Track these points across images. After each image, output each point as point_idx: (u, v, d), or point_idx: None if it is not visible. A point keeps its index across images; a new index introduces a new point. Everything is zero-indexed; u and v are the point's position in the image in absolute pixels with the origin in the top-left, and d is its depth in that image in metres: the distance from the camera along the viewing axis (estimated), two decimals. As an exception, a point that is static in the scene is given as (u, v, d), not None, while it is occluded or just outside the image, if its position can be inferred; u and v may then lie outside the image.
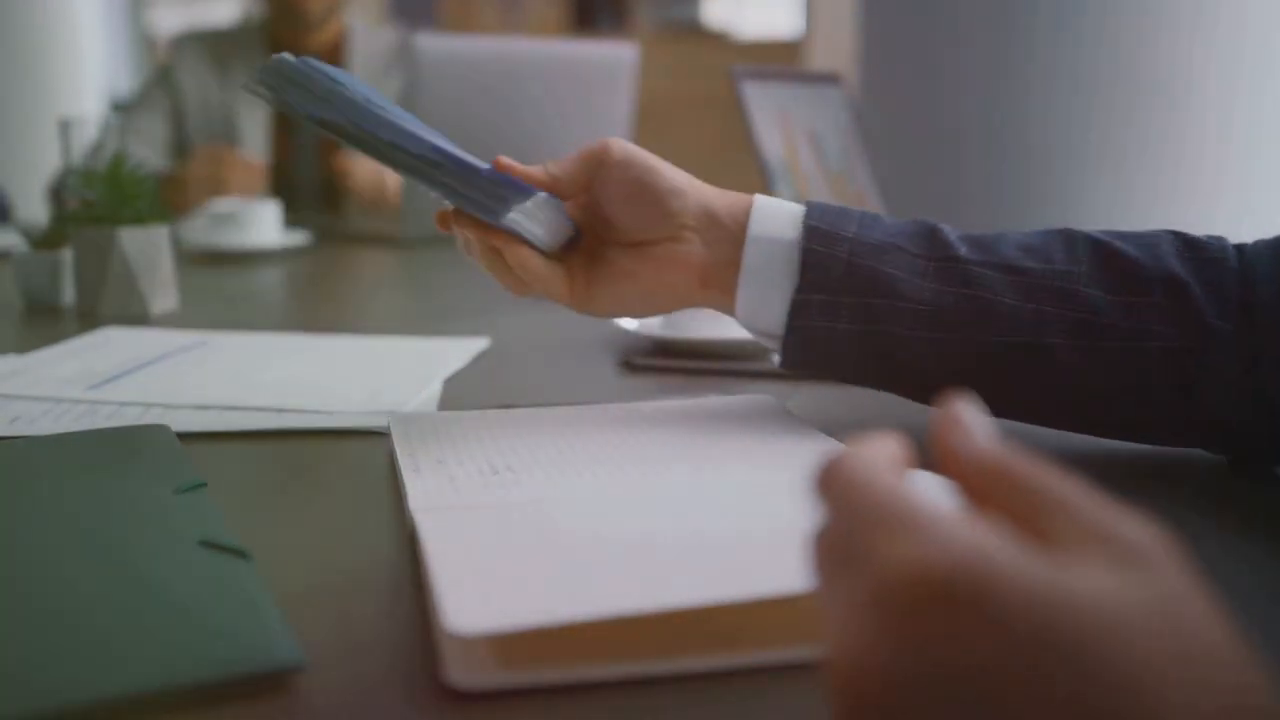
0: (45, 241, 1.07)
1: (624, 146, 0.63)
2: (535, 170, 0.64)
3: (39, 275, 1.05)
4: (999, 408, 0.57)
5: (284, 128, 2.03)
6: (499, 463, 0.56)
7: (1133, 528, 0.25)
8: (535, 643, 0.38)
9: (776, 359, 0.64)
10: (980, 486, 0.26)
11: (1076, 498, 0.25)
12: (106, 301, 1.01)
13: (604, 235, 0.64)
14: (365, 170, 1.91)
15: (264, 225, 1.44)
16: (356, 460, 0.62)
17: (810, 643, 0.39)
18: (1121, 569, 0.23)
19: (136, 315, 1.01)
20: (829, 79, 1.57)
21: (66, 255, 1.05)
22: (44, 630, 0.39)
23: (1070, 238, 0.58)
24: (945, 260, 0.57)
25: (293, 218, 1.71)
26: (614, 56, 1.71)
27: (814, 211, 0.60)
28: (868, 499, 0.25)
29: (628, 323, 0.88)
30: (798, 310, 0.59)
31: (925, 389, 0.58)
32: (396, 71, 2.06)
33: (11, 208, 2.09)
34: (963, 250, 0.57)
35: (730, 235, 0.61)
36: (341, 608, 0.43)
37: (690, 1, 6.33)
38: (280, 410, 0.70)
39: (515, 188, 0.59)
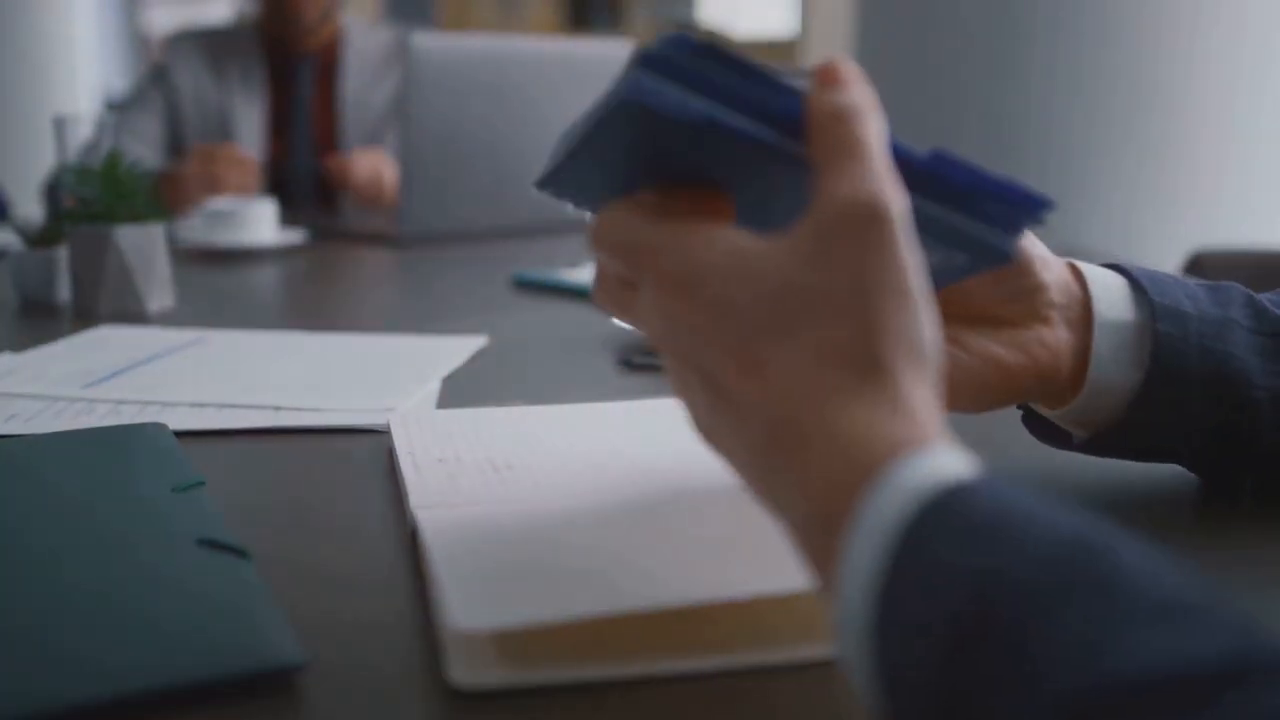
0: (41, 239, 1.07)
1: None
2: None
3: (35, 273, 1.05)
4: None
5: (279, 126, 2.03)
6: (499, 461, 0.56)
7: (827, 207, 0.34)
8: (538, 641, 0.38)
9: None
10: None
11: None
12: (103, 299, 1.00)
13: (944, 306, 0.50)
14: (362, 167, 1.90)
15: (260, 223, 1.44)
16: (355, 458, 0.62)
17: (813, 642, 0.39)
18: (801, 251, 0.34)
19: (133, 313, 1.01)
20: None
21: (62, 253, 1.04)
22: (43, 630, 0.39)
23: None
24: (1276, 336, 0.51)
25: (288, 215, 1.71)
26: (611, 55, 1.71)
27: (1146, 283, 0.51)
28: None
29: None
30: (1141, 403, 0.50)
31: (1243, 463, 0.54)
32: (393, 70, 2.05)
33: (9, 205, 2.08)
34: None
35: (1076, 316, 0.51)
36: (342, 606, 0.43)
37: (686, 2, 6.33)
38: (278, 408, 0.69)
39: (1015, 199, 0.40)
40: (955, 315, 0.50)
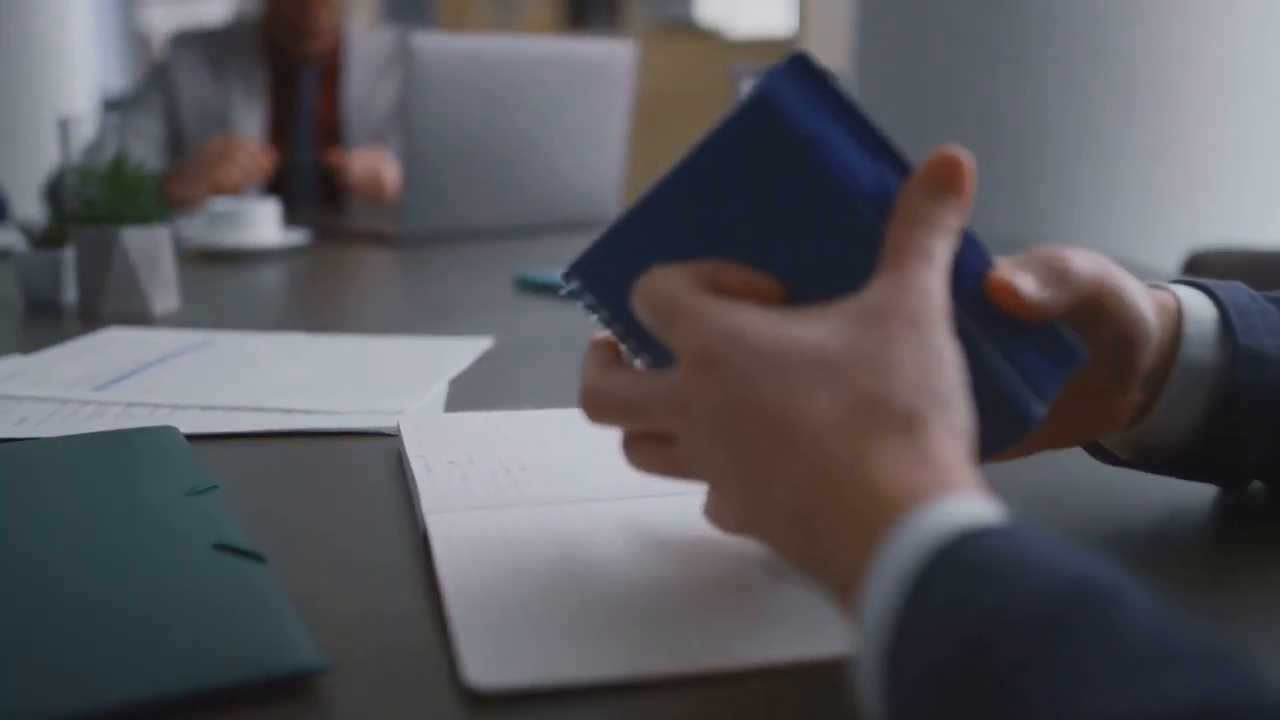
0: (46, 240, 1.07)
1: (1130, 292, 0.47)
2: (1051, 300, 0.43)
3: (40, 274, 1.05)
4: None
5: (279, 127, 2.03)
6: (511, 463, 0.56)
7: (877, 292, 0.36)
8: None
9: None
10: None
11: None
12: (108, 301, 1.01)
13: None
14: (362, 165, 1.91)
15: (264, 224, 1.44)
16: (365, 461, 0.62)
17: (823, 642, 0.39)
18: (840, 321, 0.36)
19: (138, 314, 1.01)
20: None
21: (68, 254, 1.05)
22: (60, 636, 0.39)
23: None
24: None
25: (291, 215, 1.71)
26: (612, 55, 1.71)
27: (1235, 319, 0.49)
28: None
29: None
30: (1201, 438, 0.50)
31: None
32: (395, 72, 2.06)
33: (8, 205, 2.08)
34: None
35: (1158, 369, 0.49)
36: (356, 609, 0.44)
37: (684, 0, 6.33)
38: (288, 411, 0.70)
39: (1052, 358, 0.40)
40: None
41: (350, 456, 0.63)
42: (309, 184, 2.03)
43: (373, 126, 2.06)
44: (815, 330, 0.36)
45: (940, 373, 0.35)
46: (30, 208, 2.78)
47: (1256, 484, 0.55)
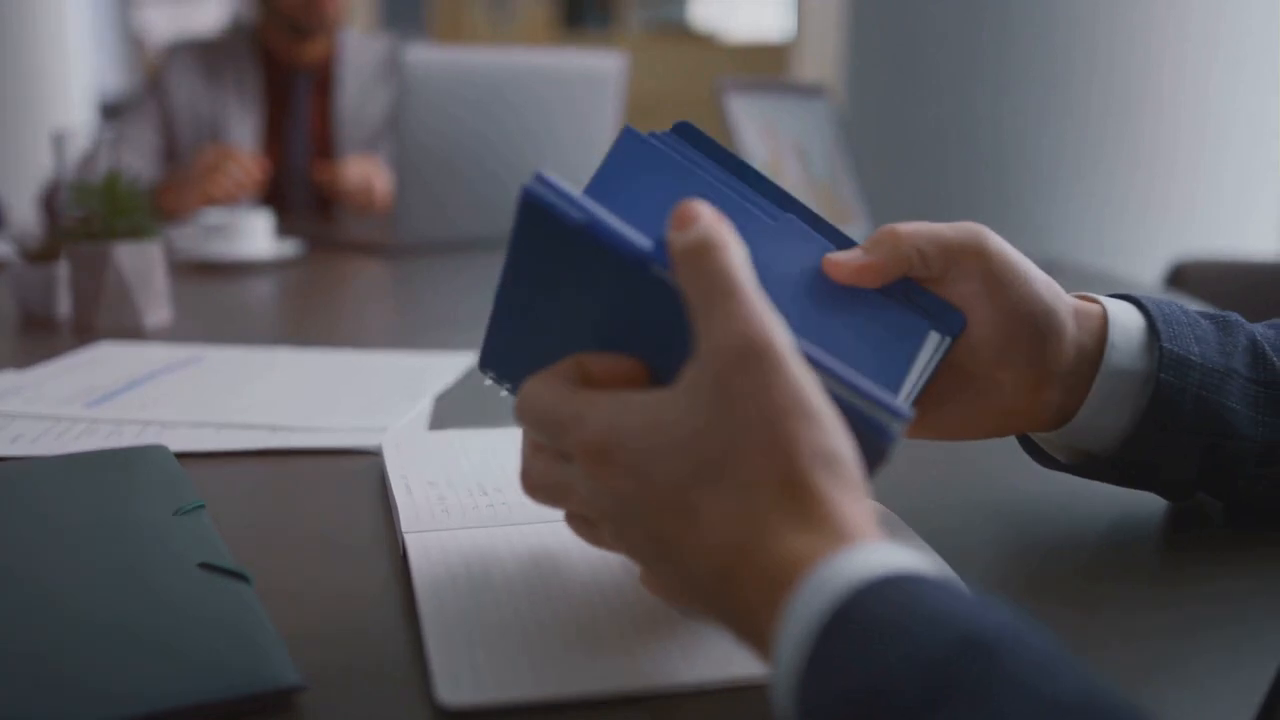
0: (40, 254, 1.09)
1: (1002, 254, 0.50)
2: (888, 265, 0.49)
3: (34, 289, 1.07)
4: None
5: (274, 136, 2.05)
6: (488, 484, 0.58)
7: (705, 357, 0.36)
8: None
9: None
10: None
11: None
12: (102, 315, 1.03)
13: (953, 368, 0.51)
14: (352, 175, 1.93)
15: (255, 235, 1.46)
16: (349, 479, 0.64)
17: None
18: (695, 397, 0.36)
19: (131, 328, 1.03)
20: (814, 91, 1.59)
21: (61, 269, 1.06)
22: (46, 653, 0.41)
23: None
24: (1274, 386, 0.52)
25: (285, 224, 1.73)
26: (602, 65, 1.73)
27: (1162, 326, 0.51)
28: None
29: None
30: (1132, 444, 0.52)
31: (1225, 494, 0.56)
32: (388, 80, 2.07)
33: (5, 212, 2.10)
34: None
35: (1086, 371, 0.51)
36: (336, 626, 0.45)
37: (678, 4, 6.35)
38: (274, 428, 0.72)
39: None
40: (959, 371, 0.50)
41: (335, 474, 0.65)
42: (303, 193, 2.04)
43: (365, 134, 2.07)
44: (680, 411, 0.36)
45: (818, 427, 0.35)
46: (25, 211, 2.79)
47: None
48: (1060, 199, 1.81)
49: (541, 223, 0.40)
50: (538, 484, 0.43)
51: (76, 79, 3.78)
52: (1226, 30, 1.76)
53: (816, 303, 0.48)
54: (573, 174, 1.62)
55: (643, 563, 0.40)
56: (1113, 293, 0.55)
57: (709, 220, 0.38)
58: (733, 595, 0.35)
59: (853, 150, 2.01)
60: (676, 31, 6.30)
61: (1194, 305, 0.55)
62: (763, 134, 1.40)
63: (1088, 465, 0.54)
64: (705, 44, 6.20)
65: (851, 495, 0.35)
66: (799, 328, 0.40)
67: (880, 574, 0.32)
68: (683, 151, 0.50)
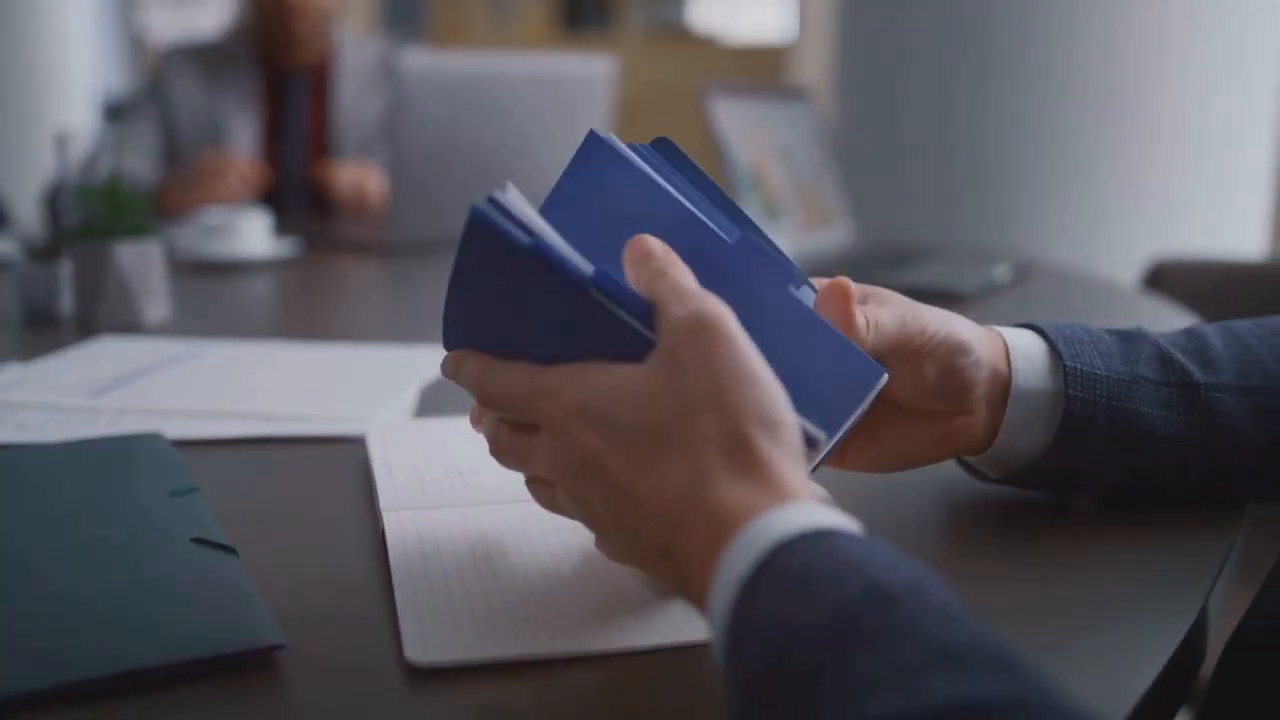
0: (43, 254, 1.13)
1: (942, 325, 0.54)
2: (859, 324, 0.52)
3: (38, 286, 1.11)
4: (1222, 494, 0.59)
5: (272, 137, 2.09)
6: (464, 466, 0.62)
7: (665, 336, 0.41)
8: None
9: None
10: None
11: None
12: (103, 312, 1.07)
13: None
14: (345, 178, 1.97)
15: (253, 235, 1.50)
16: (337, 464, 0.68)
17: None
18: (655, 370, 0.41)
19: (131, 324, 1.07)
20: (799, 94, 1.63)
21: (64, 267, 1.10)
22: (55, 617, 0.45)
23: (1276, 342, 0.58)
24: (1184, 386, 0.56)
25: (283, 225, 1.77)
26: (593, 68, 1.77)
27: (1063, 348, 0.55)
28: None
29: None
30: (1053, 457, 0.55)
31: (1154, 489, 0.59)
32: (382, 81, 2.11)
33: (7, 213, 2.14)
34: (1195, 373, 0.56)
35: (997, 396, 0.55)
36: (319, 596, 0.49)
37: (678, 5, 6.39)
38: (267, 418, 0.75)
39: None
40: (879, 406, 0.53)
41: (323, 460, 0.69)
42: (300, 193, 2.08)
43: (362, 136, 2.12)
44: (639, 382, 0.41)
45: (760, 391, 0.40)
46: (28, 210, 2.84)
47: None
48: (1039, 199, 1.85)
49: (489, 242, 0.43)
50: (504, 449, 0.47)
51: (79, 80, 3.83)
52: (1205, 31, 1.79)
53: (776, 324, 0.49)
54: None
55: (597, 524, 0.44)
56: (1014, 324, 0.58)
57: (666, 256, 0.44)
58: (680, 548, 0.39)
59: (846, 152, 2.05)
60: (676, 33, 6.34)
61: (1172, 306, 0.59)
62: (747, 137, 1.44)
63: (1017, 478, 0.58)
64: (704, 46, 6.24)
65: (791, 458, 0.40)
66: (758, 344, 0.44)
67: (804, 528, 0.35)
68: (654, 163, 0.52)
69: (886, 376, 0.51)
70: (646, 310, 0.43)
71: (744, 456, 0.39)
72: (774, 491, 0.38)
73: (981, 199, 1.88)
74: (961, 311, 0.57)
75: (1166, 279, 1.67)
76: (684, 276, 0.43)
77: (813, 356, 0.49)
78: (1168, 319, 1.12)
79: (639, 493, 0.40)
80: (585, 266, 0.43)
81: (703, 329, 0.40)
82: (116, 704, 0.40)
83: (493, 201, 0.44)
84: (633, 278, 0.44)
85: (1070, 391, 0.54)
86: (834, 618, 0.32)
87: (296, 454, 0.70)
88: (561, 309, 0.43)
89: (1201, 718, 0.50)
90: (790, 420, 0.40)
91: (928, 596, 0.32)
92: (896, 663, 0.30)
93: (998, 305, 1.21)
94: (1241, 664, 0.47)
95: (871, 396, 0.50)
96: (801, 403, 0.44)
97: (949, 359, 0.53)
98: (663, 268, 0.44)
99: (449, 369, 0.48)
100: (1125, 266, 1.79)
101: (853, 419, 0.50)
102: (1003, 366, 0.55)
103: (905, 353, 0.52)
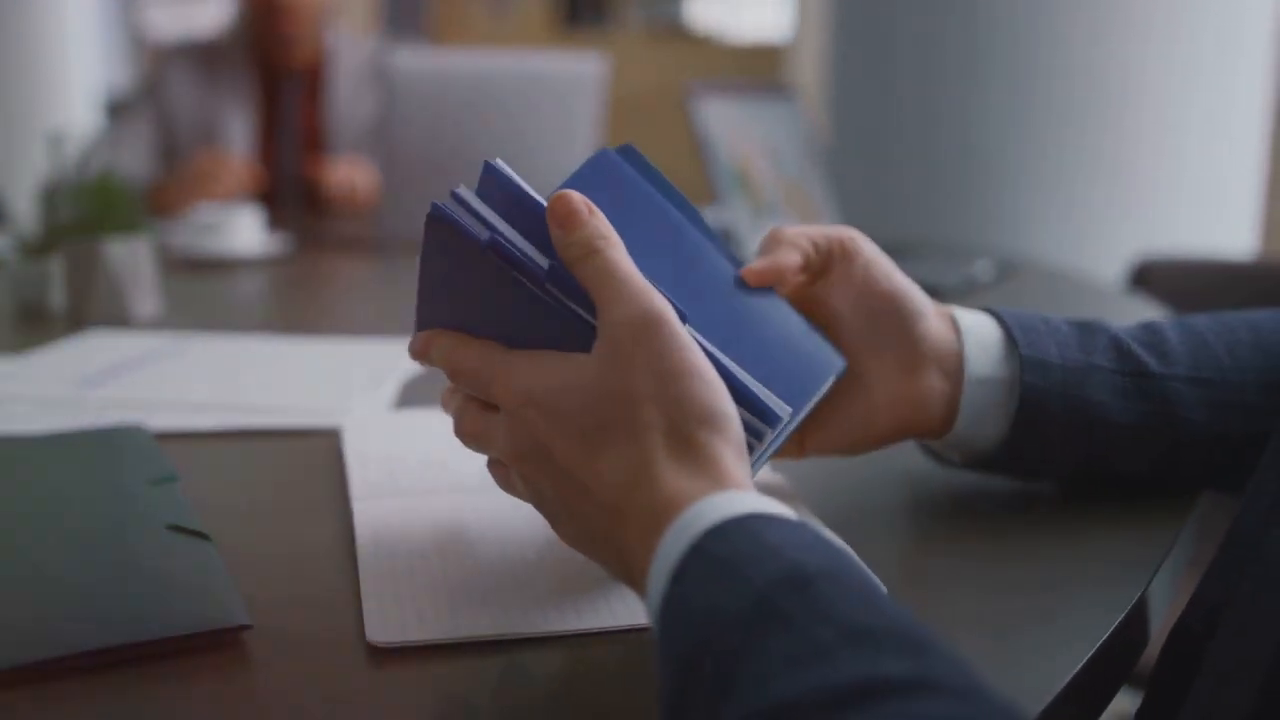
0: (36, 250, 1.15)
1: (872, 249, 0.57)
2: (787, 259, 0.54)
3: (29, 282, 1.13)
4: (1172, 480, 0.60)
5: (268, 133, 2.10)
6: (436, 457, 0.64)
7: (604, 331, 0.42)
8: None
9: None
10: None
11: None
12: (93, 307, 1.08)
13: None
14: (338, 177, 1.99)
15: (245, 232, 1.51)
16: (314, 455, 0.69)
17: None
18: (598, 363, 0.42)
19: (121, 319, 1.09)
20: (786, 92, 1.65)
21: (56, 263, 1.12)
22: (31, 599, 0.46)
23: (1231, 338, 0.59)
24: (1140, 376, 0.57)
25: (276, 222, 1.79)
26: (583, 67, 1.78)
27: (1019, 334, 0.56)
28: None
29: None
30: (1011, 443, 0.57)
31: (1110, 477, 0.60)
32: (376, 80, 2.13)
33: (7, 210, 2.16)
34: (1151, 363, 0.57)
35: (951, 369, 0.56)
36: (289, 580, 0.51)
37: (677, 4, 6.40)
38: (248, 410, 0.77)
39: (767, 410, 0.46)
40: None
41: (301, 451, 0.71)
42: (294, 191, 2.10)
43: (357, 134, 2.13)
44: (588, 373, 0.42)
45: (703, 386, 0.41)
46: (27, 207, 2.85)
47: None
48: (1026, 196, 1.86)
49: (449, 237, 0.45)
50: (466, 430, 0.48)
51: (80, 78, 3.84)
52: (1192, 25, 1.80)
53: (743, 318, 0.52)
54: (553, 173, 1.67)
55: (548, 509, 0.46)
56: (980, 307, 0.59)
57: (590, 222, 0.44)
58: (622, 534, 0.41)
59: (839, 150, 2.06)
60: (675, 32, 6.36)
61: (1156, 307, 0.60)
62: (733, 136, 1.46)
63: (977, 464, 0.59)
64: (703, 44, 6.26)
65: (731, 449, 0.41)
66: (726, 338, 0.47)
67: (735, 514, 0.37)
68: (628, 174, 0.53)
69: (844, 365, 0.53)
70: None
71: (685, 446, 0.40)
72: (712, 480, 0.39)
73: (970, 196, 1.89)
74: None
75: (1153, 278, 1.68)
76: (618, 260, 0.43)
77: (776, 340, 0.51)
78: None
79: (583, 480, 0.42)
80: (541, 261, 0.45)
81: (646, 327, 0.42)
82: (88, 681, 0.42)
83: (456, 197, 0.46)
84: (558, 241, 0.44)
85: (1026, 378, 0.55)
86: (754, 600, 0.33)
87: (276, 445, 0.72)
88: (521, 301, 0.45)
89: (1144, 705, 0.51)
90: (732, 413, 0.42)
91: (844, 579, 0.34)
92: (810, 643, 0.31)
93: (978, 303, 1.22)
94: (1182, 656, 0.49)
95: (828, 384, 0.52)
96: (768, 381, 0.46)
97: (887, 296, 0.55)
98: (590, 241, 0.44)
99: (417, 347, 0.49)
100: (1116, 264, 1.81)
101: (809, 405, 0.52)
102: (953, 340, 0.56)
103: (822, 273, 0.56)
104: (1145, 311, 1.17)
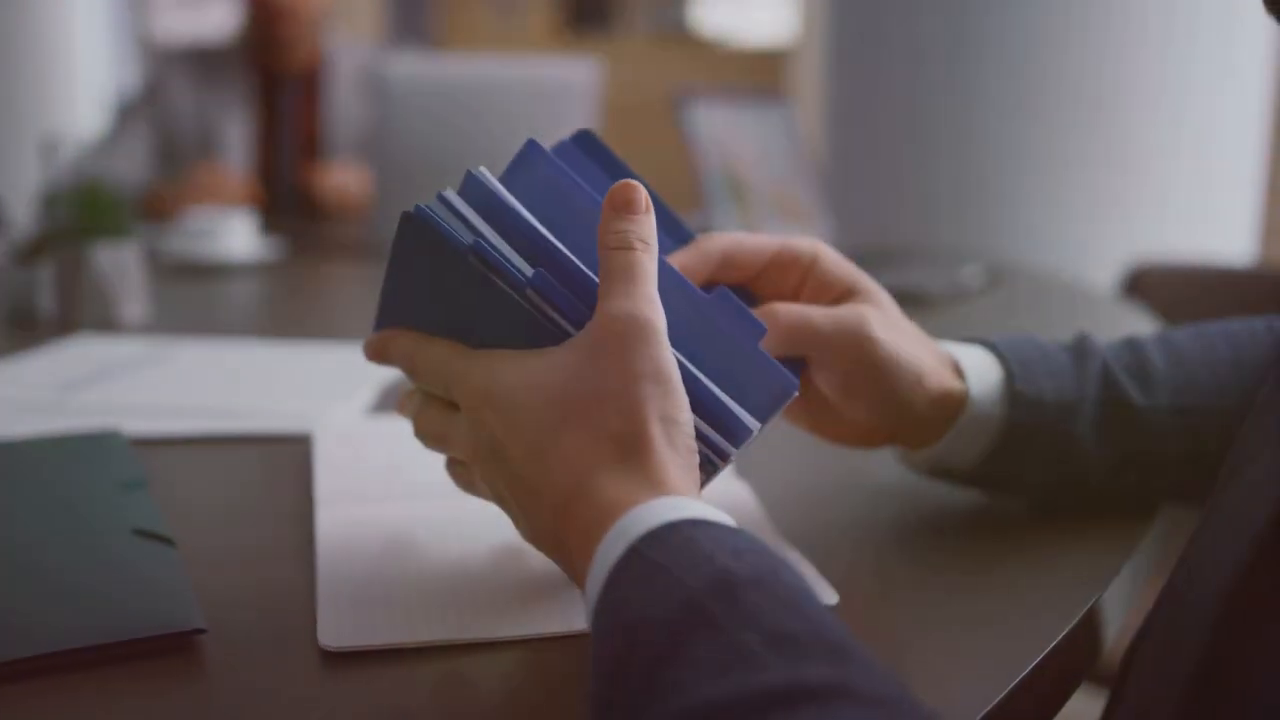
0: (27, 255, 1.16)
1: (883, 345, 0.54)
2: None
3: (19, 287, 1.13)
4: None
5: (266, 138, 2.12)
6: (403, 462, 0.64)
7: (595, 323, 0.42)
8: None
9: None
10: None
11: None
12: (82, 312, 1.09)
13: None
14: (329, 181, 2.00)
15: (237, 238, 1.52)
16: (286, 460, 0.70)
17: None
18: (571, 358, 0.42)
19: (109, 324, 1.09)
20: (776, 98, 1.65)
21: (45, 268, 1.13)
22: (-7, 600, 0.47)
23: (1212, 356, 0.59)
24: (1123, 407, 0.57)
25: (271, 226, 1.80)
26: (580, 72, 1.79)
27: (1016, 369, 0.56)
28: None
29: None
30: (987, 466, 0.57)
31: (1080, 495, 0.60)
32: (370, 88, 2.14)
33: (7, 215, 2.17)
34: (1135, 396, 0.57)
35: (952, 413, 0.56)
36: (249, 584, 0.51)
37: (682, 8, 6.41)
38: (223, 415, 0.78)
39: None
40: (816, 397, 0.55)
41: (273, 456, 0.71)
42: (290, 196, 2.11)
43: (354, 139, 2.14)
44: (554, 369, 0.43)
45: (665, 393, 0.42)
46: (26, 210, 2.87)
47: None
48: (1019, 203, 1.86)
49: (429, 238, 0.45)
50: (426, 430, 0.49)
51: (89, 82, 3.86)
52: (1189, 29, 1.80)
53: (699, 330, 0.49)
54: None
55: (505, 507, 0.46)
56: (969, 338, 0.59)
57: (643, 219, 0.44)
58: (568, 534, 0.41)
59: (837, 155, 2.06)
60: (680, 36, 6.36)
61: (1148, 317, 0.60)
62: (724, 140, 1.46)
63: (947, 476, 0.59)
64: (708, 49, 6.26)
65: (681, 458, 0.42)
66: (690, 351, 0.46)
67: (672, 520, 0.37)
68: (574, 163, 0.54)
69: (797, 387, 0.52)
70: (581, 314, 0.44)
71: (635, 450, 0.41)
72: (654, 486, 0.40)
73: (969, 201, 1.89)
74: (929, 315, 0.58)
75: (1147, 284, 1.68)
76: (646, 265, 0.44)
77: (736, 354, 0.50)
78: (1144, 331, 1.14)
79: (533, 481, 0.42)
80: (525, 268, 0.45)
81: (633, 330, 0.42)
82: (40, 683, 0.43)
83: (441, 199, 0.46)
84: (606, 222, 0.44)
85: (1014, 414, 0.56)
86: (683, 606, 0.34)
87: (249, 451, 0.73)
88: (497, 306, 0.45)
89: (1106, 711, 0.52)
90: (688, 426, 0.42)
91: (774, 585, 0.34)
92: (734, 648, 0.31)
93: (968, 311, 1.22)
94: (1137, 679, 0.49)
95: (781, 408, 0.52)
96: (734, 396, 0.46)
97: (874, 364, 0.54)
98: (630, 240, 0.44)
99: (374, 347, 0.49)
100: (1110, 269, 1.80)
101: (769, 424, 0.52)
102: (953, 385, 0.56)
103: (843, 359, 0.54)
104: (1134, 321, 1.17)
